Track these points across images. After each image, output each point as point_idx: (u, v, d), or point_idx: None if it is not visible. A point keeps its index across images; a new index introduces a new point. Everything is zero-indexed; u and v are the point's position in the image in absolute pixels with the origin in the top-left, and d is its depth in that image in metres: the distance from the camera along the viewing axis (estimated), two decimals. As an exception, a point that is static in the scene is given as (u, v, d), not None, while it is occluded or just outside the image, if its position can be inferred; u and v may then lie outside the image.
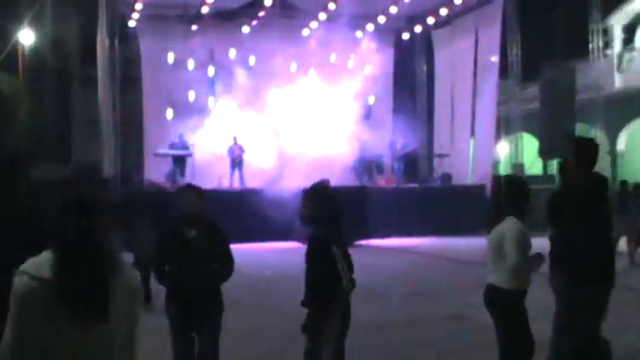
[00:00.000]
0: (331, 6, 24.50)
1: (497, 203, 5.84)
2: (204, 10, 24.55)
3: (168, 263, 5.94)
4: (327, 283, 5.19)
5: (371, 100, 28.13)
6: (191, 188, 6.20)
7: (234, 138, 23.52)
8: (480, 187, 24.44)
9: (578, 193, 6.15)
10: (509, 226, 5.56)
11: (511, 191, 5.79)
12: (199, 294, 5.75)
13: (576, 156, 6.21)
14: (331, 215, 5.43)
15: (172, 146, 23.20)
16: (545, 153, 24.05)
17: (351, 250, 5.58)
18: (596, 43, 24.85)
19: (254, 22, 26.11)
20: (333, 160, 23.85)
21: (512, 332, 5.57)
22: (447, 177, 25.01)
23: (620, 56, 31.57)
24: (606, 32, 28.00)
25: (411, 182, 25.55)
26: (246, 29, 26.28)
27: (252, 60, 26.50)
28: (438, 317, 10.20)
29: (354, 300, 5.56)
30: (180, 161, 23.11)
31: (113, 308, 2.81)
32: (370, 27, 27.27)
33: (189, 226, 5.82)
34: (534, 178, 22.10)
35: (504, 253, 5.51)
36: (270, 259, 17.72)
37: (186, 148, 23.02)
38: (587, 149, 6.25)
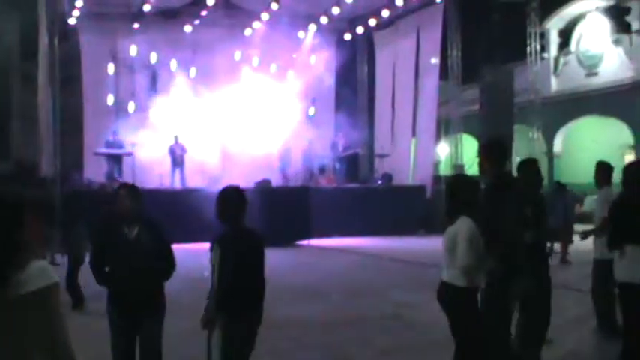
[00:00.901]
0: (274, 6, 24.49)
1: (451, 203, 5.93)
2: (147, 8, 24.30)
3: (109, 264, 5.85)
4: (212, 283, 5.50)
5: (313, 100, 28.23)
6: (127, 187, 6.11)
7: (176, 137, 23.36)
8: (421, 188, 24.80)
9: (483, 193, 6.24)
10: (461, 226, 5.66)
11: (460, 191, 5.88)
12: (142, 294, 5.72)
13: (483, 157, 6.31)
14: (225, 216, 5.73)
15: (108, 144, 22.98)
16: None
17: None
18: (533, 46, 25.32)
19: (196, 22, 25.96)
20: (274, 160, 24.00)
21: (465, 328, 5.69)
22: (387, 177, 25.09)
23: (556, 60, 32.33)
24: (543, 36, 28.57)
25: (352, 183, 25.61)
26: (188, 28, 26.08)
27: (194, 59, 26.37)
28: (376, 316, 10.31)
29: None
30: (116, 160, 22.91)
31: (4, 317, 2.60)
32: (313, 28, 27.40)
33: (130, 225, 5.78)
34: (473, 179, 22.45)
35: (457, 252, 5.62)
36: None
37: (120, 146, 22.84)
38: (493, 150, 6.34)
